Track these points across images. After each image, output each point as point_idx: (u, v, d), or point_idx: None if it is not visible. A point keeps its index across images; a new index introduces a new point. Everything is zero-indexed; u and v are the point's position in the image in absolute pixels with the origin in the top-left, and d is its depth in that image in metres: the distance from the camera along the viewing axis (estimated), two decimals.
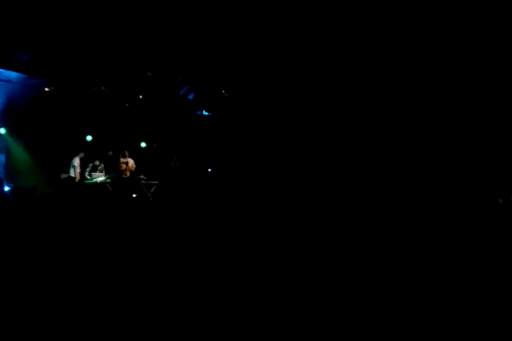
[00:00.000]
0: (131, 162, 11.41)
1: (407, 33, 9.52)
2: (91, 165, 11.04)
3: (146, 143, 12.95)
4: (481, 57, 9.45)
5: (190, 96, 12.93)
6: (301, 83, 11.96)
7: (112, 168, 11.22)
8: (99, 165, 11.12)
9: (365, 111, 11.65)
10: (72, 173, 10.76)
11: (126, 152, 11.34)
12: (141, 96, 12.26)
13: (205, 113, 13.93)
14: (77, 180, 10.76)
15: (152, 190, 11.08)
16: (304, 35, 10.02)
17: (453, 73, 9.99)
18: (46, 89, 10.57)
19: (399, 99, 11.01)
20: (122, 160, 11.24)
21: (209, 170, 14.08)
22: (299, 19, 9.47)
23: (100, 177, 10.83)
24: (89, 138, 11.55)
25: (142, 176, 11.13)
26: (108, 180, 10.68)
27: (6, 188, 10.24)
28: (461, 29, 9.12)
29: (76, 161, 10.81)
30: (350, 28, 9.65)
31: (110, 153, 11.44)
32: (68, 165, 10.83)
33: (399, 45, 9.94)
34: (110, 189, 10.56)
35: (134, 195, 11.26)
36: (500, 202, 8.66)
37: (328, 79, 11.58)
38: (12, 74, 9.98)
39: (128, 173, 11.21)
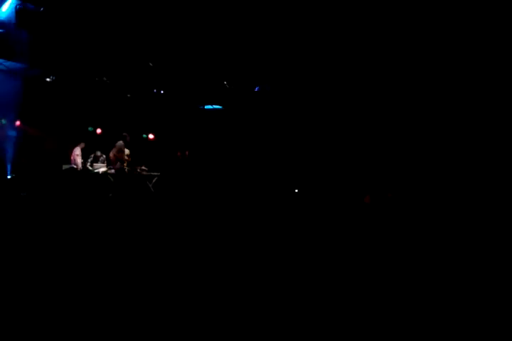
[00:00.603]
0: (127, 152, 11.37)
1: (407, 33, 9.46)
2: (92, 155, 11.05)
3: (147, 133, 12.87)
4: (481, 57, 9.37)
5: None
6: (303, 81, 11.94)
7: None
8: (101, 155, 11.13)
9: (365, 109, 11.63)
10: (73, 164, 10.78)
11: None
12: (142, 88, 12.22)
13: (208, 106, 13.88)
14: (78, 169, 10.78)
15: (153, 181, 11.09)
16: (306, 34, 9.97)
17: (453, 73, 9.92)
18: (48, 79, 10.55)
19: (399, 99, 10.97)
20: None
21: (213, 163, 14.08)
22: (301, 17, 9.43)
23: (102, 168, 10.83)
24: (90, 128, 11.55)
25: (144, 167, 11.12)
26: (111, 171, 10.68)
27: (9, 177, 10.31)
28: (461, 29, 9.04)
29: (77, 151, 10.82)
30: (351, 25, 9.59)
31: (121, 142, 11.25)
32: (69, 156, 10.85)
33: (399, 45, 9.88)
34: (112, 180, 10.57)
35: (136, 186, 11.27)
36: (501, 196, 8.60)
37: (329, 79, 11.55)
38: (13, 65, 9.96)
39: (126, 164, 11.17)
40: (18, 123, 10.96)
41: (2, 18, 8.54)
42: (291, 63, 11.26)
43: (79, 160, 10.83)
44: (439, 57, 9.80)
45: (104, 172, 10.68)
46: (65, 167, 10.90)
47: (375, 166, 11.28)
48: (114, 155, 10.38)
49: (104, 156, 11.19)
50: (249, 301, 2.73)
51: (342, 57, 10.72)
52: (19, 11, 8.43)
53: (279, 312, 2.55)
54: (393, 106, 11.15)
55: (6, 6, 8.51)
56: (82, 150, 10.98)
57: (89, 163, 10.93)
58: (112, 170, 10.69)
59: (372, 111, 11.60)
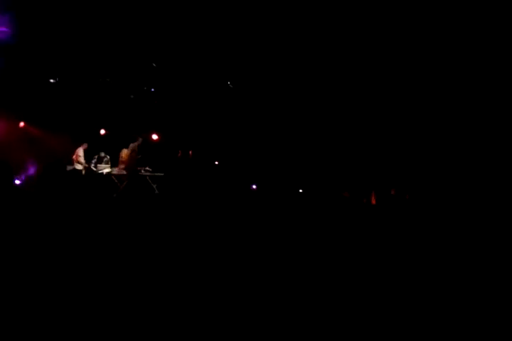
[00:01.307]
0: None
1: (407, 33, 9.45)
2: (96, 156, 11.04)
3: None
4: (481, 57, 9.34)
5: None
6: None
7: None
8: (105, 156, 11.12)
9: (365, 111, 11.62)
10: (77, 165, 10.76)
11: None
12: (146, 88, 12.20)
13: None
14: (83, 170, 10.78)
15: (158, 181, 11.09)
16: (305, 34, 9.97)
17: (453, 71, 9.90)
18: (51, 80, 10.53)
19: (399, 99, 10.96)
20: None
21: (216, 163, 14.05)
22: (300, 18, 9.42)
23: (106, 169, 10.83)
24: (102, 131, 11.52)
25: (148, 168, 11.10)
26: (115, 172, 10.66)
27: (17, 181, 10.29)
28: (461, 29, 9.02)
29: (80, 152, 10.82)
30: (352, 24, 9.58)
31: (135, 143, 11.10)
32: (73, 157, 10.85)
33: (399, 45, 9.87)
34: (116, 181, 10.57)
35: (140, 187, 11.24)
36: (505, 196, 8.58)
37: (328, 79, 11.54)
38: None
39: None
40: (22, 124, 10.96)
41: None
42: (294, 64, 11.25)
43: (82, 161, 10.82)
44: (439, 57, 9.79)
45: (108, 173, 10.68)
46: (68, 168, 10.90)
47: (378, 164, 11.27)
48: (128, 156, 10.36)
49: (108, 157, 11.18)
50: (250, 301, 2.71)
51: (344, 57, 10.70)
52: None
53: (279, 312, 2.53)
54: (395, 105, 11.13)
55: None
56: (85, 151, 10.98)
57: (93, 164, 10.92)
58: (115, 171, 10.70)
59: (374, 110, 11.58)
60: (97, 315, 2.42)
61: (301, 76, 11.86)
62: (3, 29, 8.00)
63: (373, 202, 9.29)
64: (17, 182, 10.33)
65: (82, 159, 10.84)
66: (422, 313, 2.58)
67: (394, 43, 9.93)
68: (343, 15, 9.34)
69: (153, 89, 12.35)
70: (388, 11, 9.01)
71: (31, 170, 10.81)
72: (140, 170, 10.75)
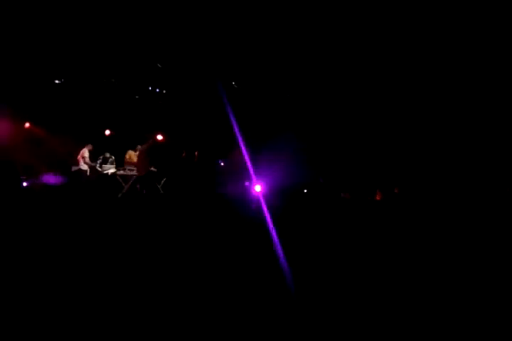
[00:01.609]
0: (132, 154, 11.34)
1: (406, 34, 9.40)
2: (101, 157, 11.08)
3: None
4: (481, 57, 9.27)
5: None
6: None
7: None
8: (110, 157, 11.15)
9: (370, 108, 11.57)
10: (82, 166, 10.81)
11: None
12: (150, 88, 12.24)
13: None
14: (88, 171, 10.82)
15: (162, 182, 11.10)
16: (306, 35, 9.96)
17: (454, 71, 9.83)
18: (56, 81, 10.61)
19: (399, 99, 10.91)
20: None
21: (221, 163, 14.03)
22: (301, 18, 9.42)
23: (111, 170, 10.86)
24: (107, 132, 11.58)
25: (153, 168, 11.12)
26: (121, 172, 10.69)
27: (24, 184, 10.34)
28: (461, 29, 8.96)
29: (85, 153, 10.86)
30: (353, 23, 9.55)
31: (145, 146, 11.15)
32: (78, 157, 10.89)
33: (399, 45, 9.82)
34: (121, 181, 10.59)
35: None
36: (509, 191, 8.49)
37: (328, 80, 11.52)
38: None
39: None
40: (27, 125, 11.04)
41: None
42: (298, 65, 11.23)
43: (88, 162, 10.86)
44: (439, 57, 9.73)
45: (113, 174, 10.71)
46: (73, 168, 10.95)
47: (381, 163, 11.23)
48: (138, 157, 10.40)
49: (113, 158, 11.22)
50: (252, 300, 2.67)
51: (348, 58, 10.67)
52: None
53: (280, 312, 2.50)
54: (398, 104, 11.09)
55: None
56: (90, 151, 11.01)
57: (98, 165, 10.96)
58: (121, 172, 10.74)
59: (377, 110, 11.55)
60: (99, 315, 2.40)
61: (305, 77, 11.84)
62: None
63: (378, 198, 9.29)
64: (24, 184, 10.37)
65: (88, 159, 10.89)
66: (426, 308, 2.53)
67: (398, 45, 9.91)
68: (345, 15, 9.32)
69: (158, 90, 12.41)
70: (388, 11, 8.98)
71: (49, 179, 10.86)
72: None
